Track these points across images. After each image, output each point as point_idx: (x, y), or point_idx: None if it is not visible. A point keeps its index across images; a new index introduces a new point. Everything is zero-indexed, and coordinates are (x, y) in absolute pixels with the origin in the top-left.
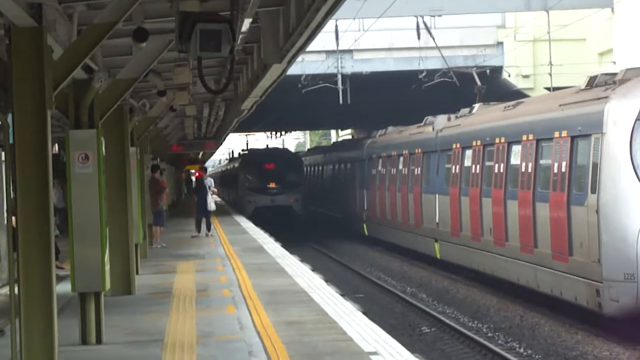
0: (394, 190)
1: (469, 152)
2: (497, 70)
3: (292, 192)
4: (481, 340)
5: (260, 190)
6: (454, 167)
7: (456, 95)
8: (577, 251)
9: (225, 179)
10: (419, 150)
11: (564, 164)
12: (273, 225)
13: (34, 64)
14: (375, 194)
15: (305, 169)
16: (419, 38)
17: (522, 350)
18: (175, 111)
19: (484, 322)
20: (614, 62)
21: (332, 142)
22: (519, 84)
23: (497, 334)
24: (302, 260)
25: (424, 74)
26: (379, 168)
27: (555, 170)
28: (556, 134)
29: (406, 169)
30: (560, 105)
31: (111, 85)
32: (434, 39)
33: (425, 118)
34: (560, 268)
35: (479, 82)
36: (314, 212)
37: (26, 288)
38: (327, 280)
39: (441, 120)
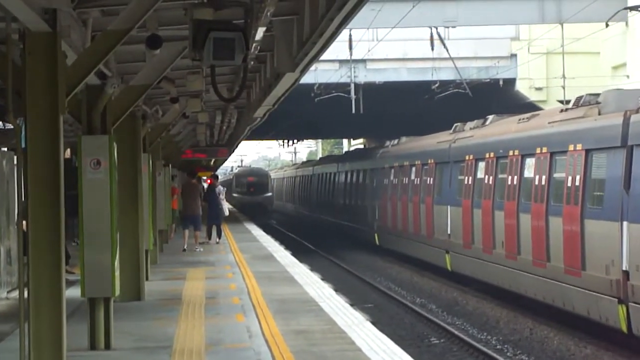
0: (512, 211)
1: None
2: (511, 82)
3: (263, 194)
4: (490, 352)
5: (245, 193)
6: None
7: (469, 107)
8: None
9: (226, 185)
10: (577, 148)
11: None
12: (252, 214)
13: (47, 69)
14: (469, 214)
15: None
16: (432, 49)
17: None
18: (187, 118)
19: (493, 334)
20: (628, 76)
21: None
22: (532, 96)
23: (506, 346)
24: (312, 269)
25: (437, 85)
26: (480, 175)
27: None
28: None
29: (542, 177)
30: None
31: (124, 91)
32: (447, 50)
33: (578, 97)
34: None
35: None
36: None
37: (36, 292)
38: (337, 290)
39: (617, 99)
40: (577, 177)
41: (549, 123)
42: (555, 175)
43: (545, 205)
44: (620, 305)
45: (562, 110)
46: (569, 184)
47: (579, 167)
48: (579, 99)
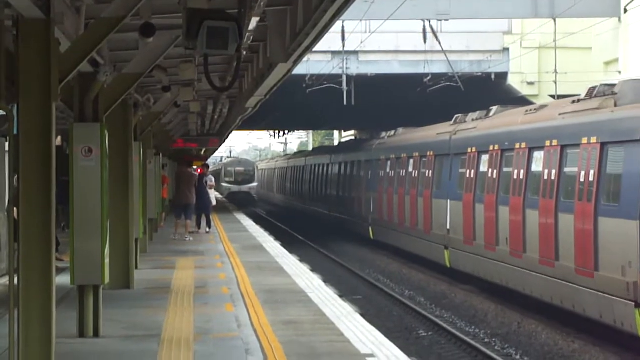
0: (518, 206)
1: None
2: (502, 76)
3: (249, 184)
4: (478, 345)
5: (233, 182)
6: None
7: (461, 100)
8: None
9: (215, 175)
10: (591, 141)
11: None
12: (238, 202)
13: (40, 56)
14: (471, 209)
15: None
16: (425, 42)
17: (518, 357)
18: (179, 107)
19: (481, 328)
20: (620, 72)
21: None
22: (524, 90)
23: (494, 339)
24: (301, 260)
25: (429, 78)
26: (483, 169)
27: None
28: None
29: (552, 171)
30: None
31: (116, 79)
32: (440, 43)
33: (591, 88)
34: None
35: None
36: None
37: (25, 279)
38: (326, 281)
39: (636, 90)
40: (591, 172)
41: (559, 115)
42: (567, 169)
43: (555, 201)
44: (637, 309)
45: (574, 102)
46: (582, 179)
47: (594, 161)
48: (592, 89)
